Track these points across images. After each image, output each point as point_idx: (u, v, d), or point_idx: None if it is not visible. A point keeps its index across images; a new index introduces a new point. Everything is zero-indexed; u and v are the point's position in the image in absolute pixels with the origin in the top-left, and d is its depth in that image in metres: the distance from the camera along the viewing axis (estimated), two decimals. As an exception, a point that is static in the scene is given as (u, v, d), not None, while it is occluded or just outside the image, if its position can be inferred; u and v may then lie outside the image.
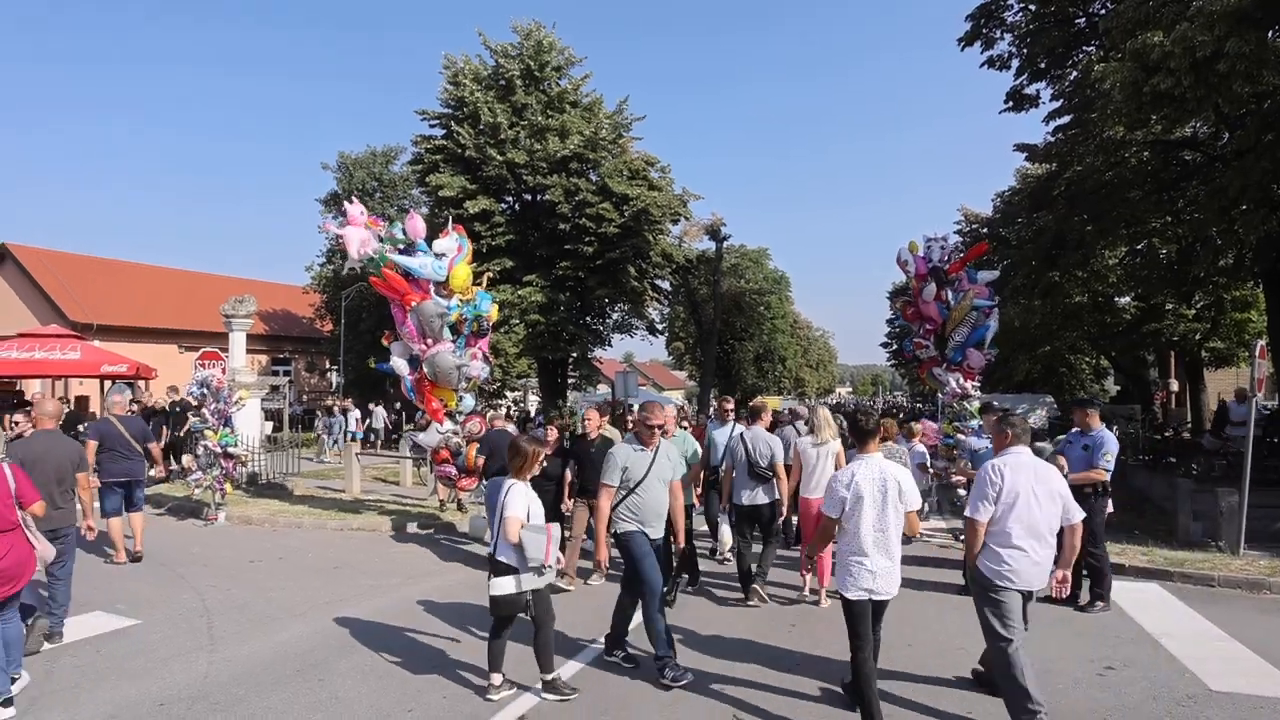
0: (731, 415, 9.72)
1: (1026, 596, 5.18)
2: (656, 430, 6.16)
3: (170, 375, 21.43)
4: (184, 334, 30.60)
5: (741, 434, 8.37)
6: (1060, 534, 5.19)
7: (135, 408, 13.71)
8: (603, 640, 6.37)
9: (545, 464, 8.60)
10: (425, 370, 11.39)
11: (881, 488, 5.00)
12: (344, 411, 25.07)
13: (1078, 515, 5.18)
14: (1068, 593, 5.60)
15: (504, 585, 5.30)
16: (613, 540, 6.18)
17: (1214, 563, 9.27)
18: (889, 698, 5.45)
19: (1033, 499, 5.06)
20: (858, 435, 5.35)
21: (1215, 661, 6.23)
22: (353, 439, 23.21)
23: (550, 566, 5.29)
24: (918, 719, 5.14)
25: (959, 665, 6.09)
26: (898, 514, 5.00)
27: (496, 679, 5.49)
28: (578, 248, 25.49)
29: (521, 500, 5.40)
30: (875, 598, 4.97)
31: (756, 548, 8.28)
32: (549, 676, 5.45)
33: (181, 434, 16.29)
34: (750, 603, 7.89)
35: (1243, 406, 18.24)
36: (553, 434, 9.23)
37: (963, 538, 6.16)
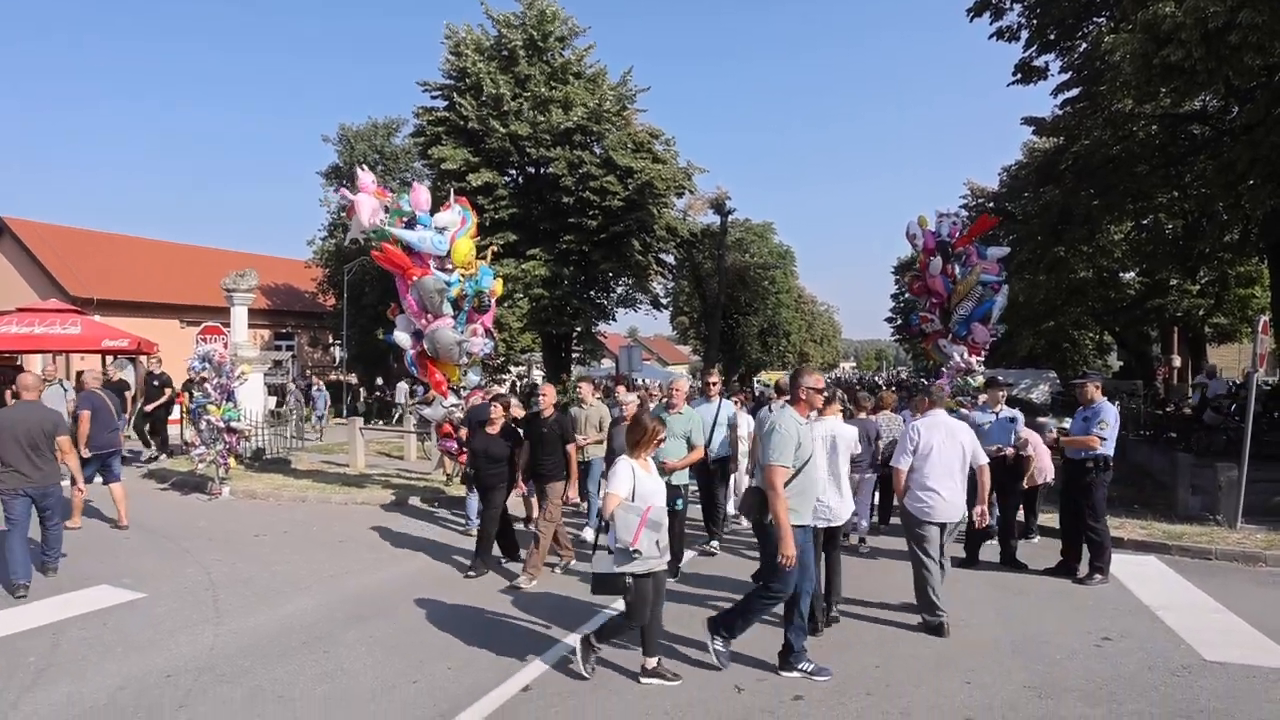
0: (716, 391, 9.40)
1: (943, 528, 6.50)
2: (823, 399, 5.80)
3: (172, 350, 21.42)
4: (185, 309, 30.54)
5: (770, 406, 9.22)
6: (973, 477, 6.74)
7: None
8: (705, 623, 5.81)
9: (490, 445, 8.22)
10: (425, 345, 11.40)
11: (830, 444, 6.35)
12: (311, 388, 24.93)
13: (982, 459, 6.75)
14: (986, 524, 7.13)
15: (601, 563, 5.16)
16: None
17: (1212, 536, 9.33)
18: (890, 671, 5.50)
19: (944, 450, 6.52)
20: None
21: (1210, 633, 6.29)
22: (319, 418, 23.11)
23: (640, 552, 4.97)
24: (915, 691, 5.18)
25: (961, 636, 6.15)
26: (844, 460, 6.45)
27: (651, 662, 5.38)
28: (581, 221, 25.37)
29: (626, 477, 5.18)
30: (831, 525, 6.32)
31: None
32: (651, 663, 5.32)
33: (149, 409, 15.80)
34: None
35: (1216, 382, 18.37)
36: (497, 412, 8.55)
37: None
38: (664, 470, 7.52)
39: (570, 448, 8.33)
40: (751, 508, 5.49)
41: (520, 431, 8.56)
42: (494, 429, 8.38)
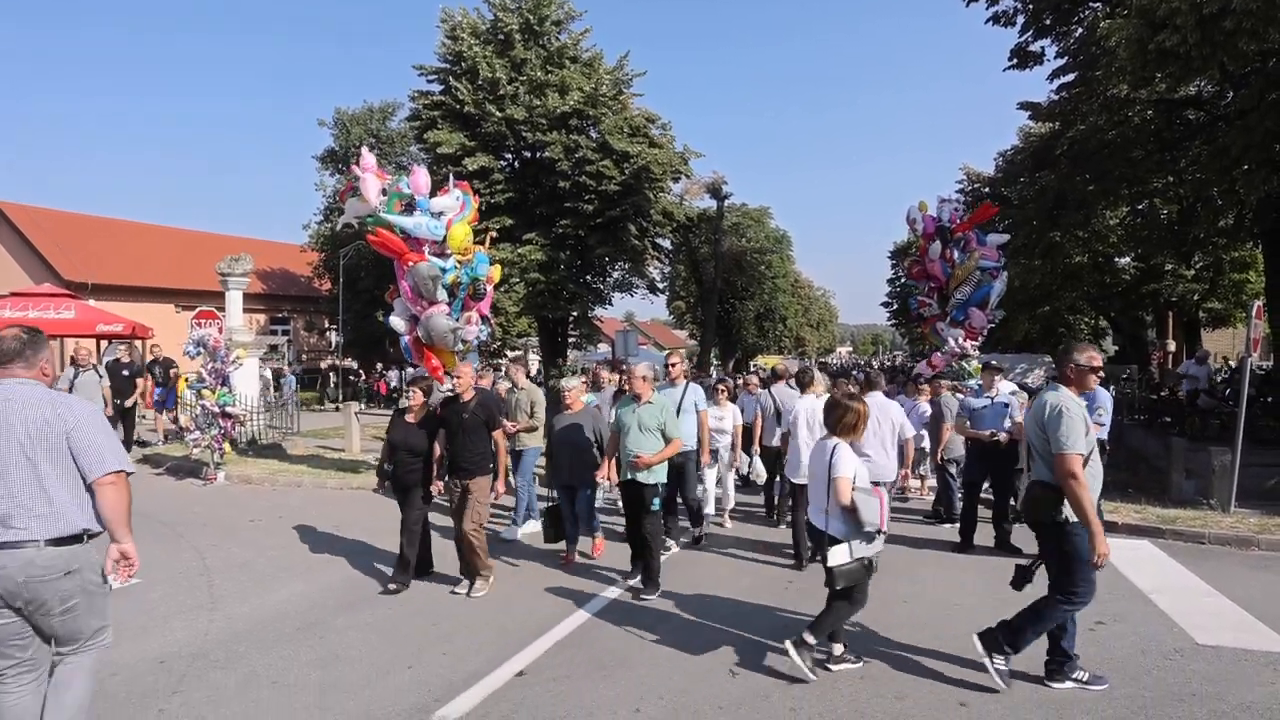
0: (680, 373, 8.64)
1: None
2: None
3: (167, 335, 21.38)
4: (180, 293, 30.47)
5: (769, 389, 10.20)
6: (902, 448, 8.59)
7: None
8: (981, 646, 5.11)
9: (409, 436, 7.19)
10: (420, 332, 11.34)
11: (811, 417, 7.89)
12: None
13: (909, 433, 8.59)
14: (904, 483, 9.69)
15: (839, 554, 5.01)
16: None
17: (1205, 520, 9.36)
18: (884, 655, 5.52)
19: (877, 424, 7.96)
20: (800, 384, 8.81)
21: (1203, 616, 6.32)
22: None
23: (884, 532, 5.10)
24: (909, 675, 5.20)
25: (956, 620, 6.16)
26: (818, 433, 7.24)
27: (838, 649, 5.33)
28: (578, 205, 25.29)
29: (851, 461, 5.16)
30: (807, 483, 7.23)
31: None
32: (812, 639, 5.16)
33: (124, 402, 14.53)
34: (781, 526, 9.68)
35: (1201, 369, 18.42)
36: (416, 399, 7.37)
37: (960, 495, 9.44)
38: (637, 467, 7.04)
39: (498, 435, 7.22)
40: (1038, 506, 4.94)
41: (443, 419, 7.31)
42: (414, 418, 7.31)
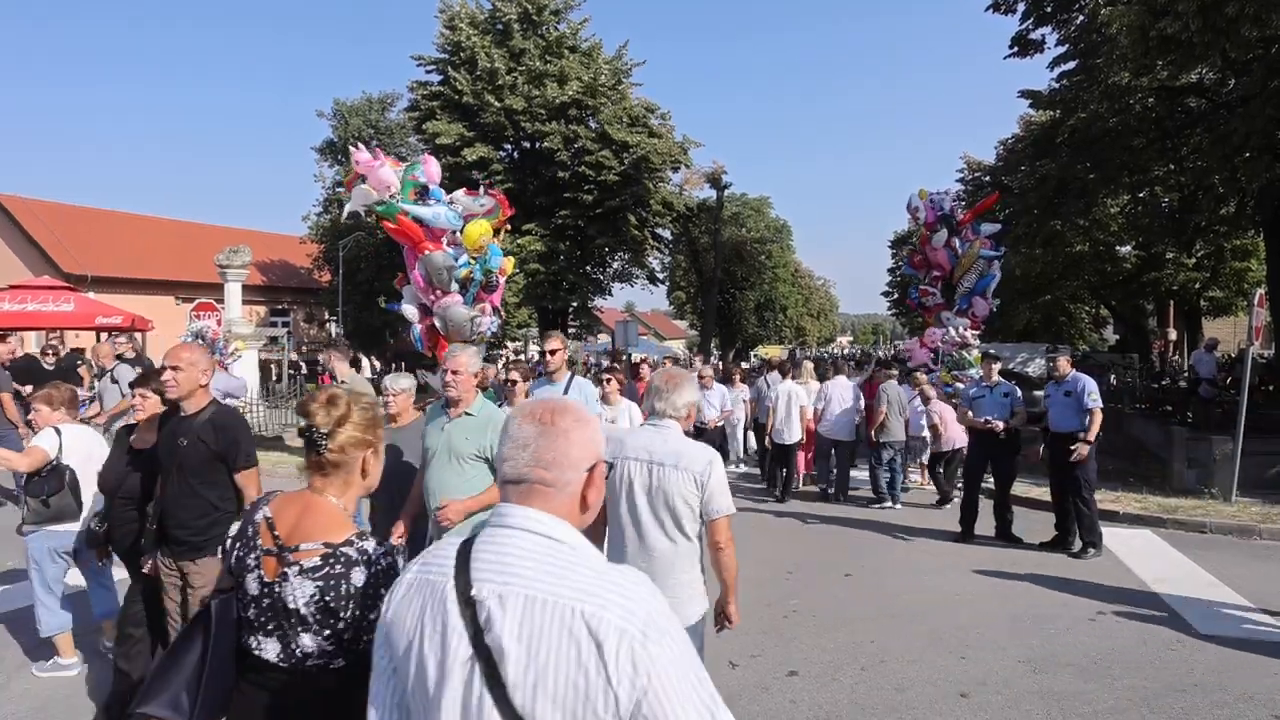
0: (560, 362, 6.18)
1: (835, 444, 10.80)
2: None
3: (166, 327, 21.36)
4: (180, 285, 30.41)
5: (764, 376, 12.46)
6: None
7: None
8: None
9: (133, 469, 4.30)
10: (436, 322, 11.25)
11: (789, 398, 10.73)
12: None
13: (861, 404, 10.90)
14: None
15: None
16: None
17: (1206, 509, 9.35)
18: (885, 647, 5.52)
19: (841, 398, 10.74)
20: (781, 372, 11.86)
21: (1205, 606, 6.31)
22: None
23: None
24: (910, 666, 5.20)
25: (957, 612, 6.16)
26: (795, 408, 10.71)
27: None
28: (577, 196, 25.29)
29: None
30: (785, 444, 10.76)
31: None
32: None
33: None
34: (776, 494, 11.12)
35: (1210, 355, 18.34)
36: (145, 408, 4.35)
37: (960, 484, 9.72)
38: (441, 522, 4.24)
39: (244, 478, 3.94)
40: None
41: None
42: (145, 438, 4.32)
